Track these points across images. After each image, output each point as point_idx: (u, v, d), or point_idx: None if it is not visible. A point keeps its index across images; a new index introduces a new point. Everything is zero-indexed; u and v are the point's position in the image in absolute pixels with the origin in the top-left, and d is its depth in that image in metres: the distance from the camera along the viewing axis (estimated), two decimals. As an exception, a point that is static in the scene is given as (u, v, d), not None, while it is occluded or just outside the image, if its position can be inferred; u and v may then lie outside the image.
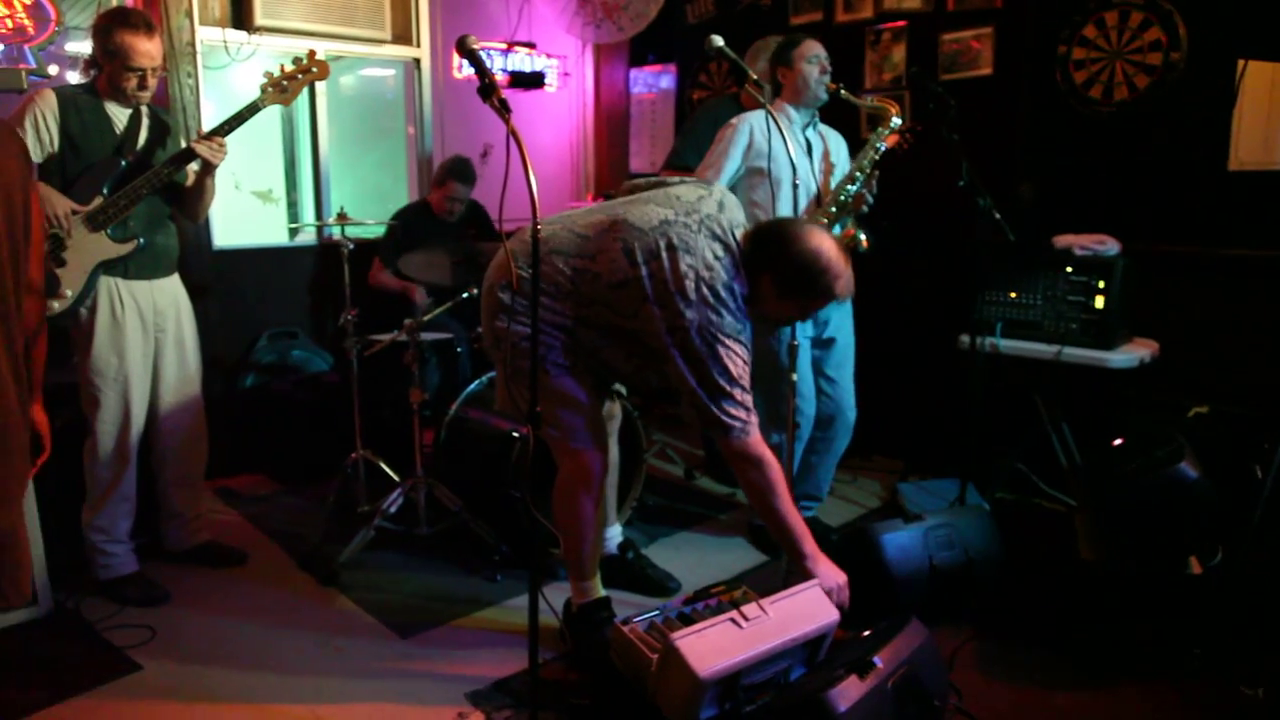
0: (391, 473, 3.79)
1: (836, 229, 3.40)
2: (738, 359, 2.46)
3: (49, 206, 2.88)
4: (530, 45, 5.48)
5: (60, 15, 4.00)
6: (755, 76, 2.85)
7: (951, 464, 3.96)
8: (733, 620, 2.33)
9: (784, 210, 2.91)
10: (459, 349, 4.15)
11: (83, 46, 3.22)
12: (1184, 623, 2.83)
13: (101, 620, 3.01)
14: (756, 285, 2.52)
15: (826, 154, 3.51)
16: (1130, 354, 3.54)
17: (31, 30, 3.94)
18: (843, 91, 3.36)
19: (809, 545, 2.60)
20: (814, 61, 3.34)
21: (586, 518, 2.78)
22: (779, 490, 2.55)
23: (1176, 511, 2.75)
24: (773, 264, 2.48)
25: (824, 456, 3.64)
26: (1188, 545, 2.85)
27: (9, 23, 3.90)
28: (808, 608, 2.45)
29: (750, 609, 2.37)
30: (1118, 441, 3.04)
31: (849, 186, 3.36)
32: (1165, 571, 2.86)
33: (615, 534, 3.29)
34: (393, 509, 3.48)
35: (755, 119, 3.35)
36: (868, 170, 3.37)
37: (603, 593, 2.93)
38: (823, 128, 3.53)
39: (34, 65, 3.91)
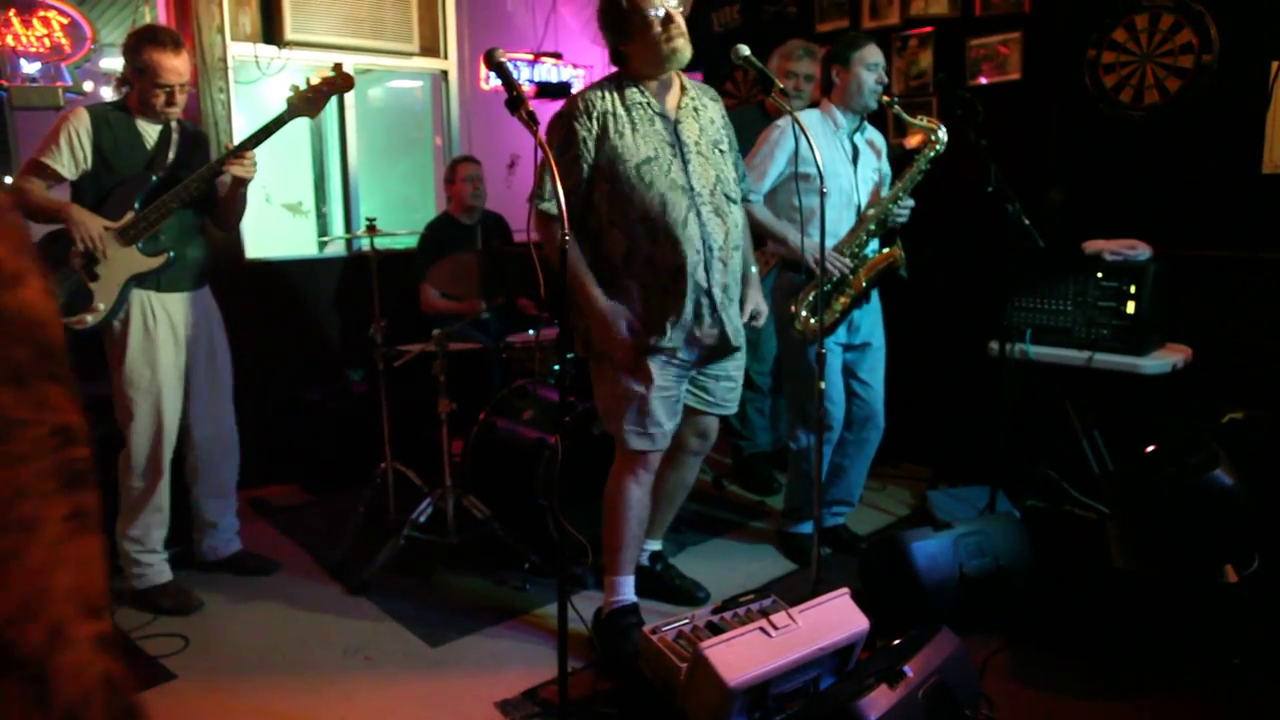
0: (420, 482, 3.81)
1: (873, 246, 3.38)
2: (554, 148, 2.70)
3: (83, 229, 2.93)
4: (557, 56, 5.51)
5: (96, 33, 4.08)
6: (782, 85, 2.85)
7: (981, 471, 3.92)
8: (762, 629, 2.32)
9: (817, 217, 2.91)
10: (487, 359, 4.17)
11: (118, 63, 3.28)
12: (1221, 632, 2.79)
13: (136, 629, 3.05)
14: (624, 59, 2.76)
15: (880, 161, 3.48)
16: (1163, 360, 3.50)
17: (68, 48, 4.02)
18: (895, 106, 3.32)
19: (591, 290, 2.73)
20: (873, 69, 3.28)
21: (629, 504, 2.87)
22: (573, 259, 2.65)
23: (1211, 519, 2.71)
24: (605, 29, 2.74)
25: (856, 460, 3.63)
26: (1223, 553, 2.81)
27: (46, 41, 3.98)
28: (837, 617, 2.44)
29: (779, 618, 2.36)
30: (1150, 448, 3.00)
31: (891, 206, 3.32)
32: (1200, 580, 2.82)
33: (652, 547, 3.29)
34: (422, 518, 3.50)
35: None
36: (910, 190, 3.34)
37: (633, 598, 2.94)
38: (871, 134, 3.50)
39: (70, 83, 3.99)
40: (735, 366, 3.00)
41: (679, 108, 2.80)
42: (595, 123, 2.67)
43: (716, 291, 2.78)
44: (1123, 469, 3.31)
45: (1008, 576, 2.98)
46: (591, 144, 2.68)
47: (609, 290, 2.75)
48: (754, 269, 3.04)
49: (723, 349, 2.88)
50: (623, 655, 2.78)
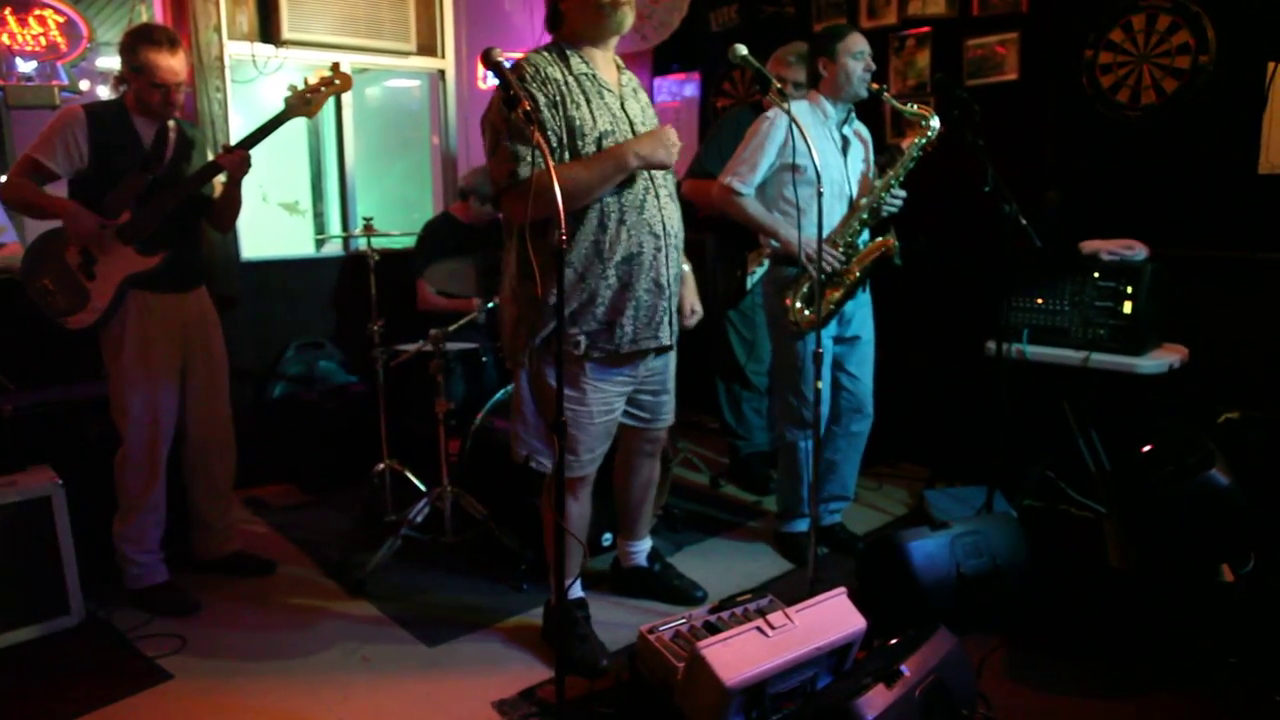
0: (418, 482, 3.81)
1: (865, 236, 3.38)
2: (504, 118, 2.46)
3: (80, 224, 2.93)
4: (553, 55, 5.50)
5: (92, 32, 4.07)
6: (778, 85, 2.84)
7: (978, 471, 3.93)
8: (759, 629, 2.32)
9: (812, 209, 2.90)
10: (484, 359, 4.17)
11: (114, 62, 3.27)
12: (1217, 631, 2.79)
13: (132, 629, 3.04)
14: (559, 19, 2.61)
15: (867, 152, 3.47)
16: (1159, 359, 3.50)
17: (64, 47, 4.01)
18: (885, 93, 3.28)
19: (614, 154, 2.49)
20: (859, 57, 3.26)
21: (569, 517, 2.82)
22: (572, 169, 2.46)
23: (1207, 518, 2.71)
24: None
25: (848, 454, 3.63)
26: (1219, 552, 2.82)
27: (42, 40, 3.98)
28: (834, 616, 2.44)
29: (776, 617, 2.36)
30: (1147, 448, 3.01)
31: (884, 194, 3.32)
32: (1197, 579, 2.83)
33: (645, 546, 3.28)
34: (419, 518, 3.50)
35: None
36: (902, 178, 3.34)
37: (580, 594, 2.98)
38: (858, 125, 3.49)
39: (66, 81, 3.99)
40: (669, 376, 2.94)
41: (620, 85, 2.66)
42: (551, 89, 2.47)
43: (672, 283, 2.68)
44: (1119, 469, 3.32)
45: (1005, 576, 2.98)
46: (546, 111, 2.46)
47: (531, 281, 2.50)
48: (686, 266, 2.93)
49: (662, 348, 2.79)
50: (571, 643, 2.78)
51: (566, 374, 2.60)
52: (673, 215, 2.68)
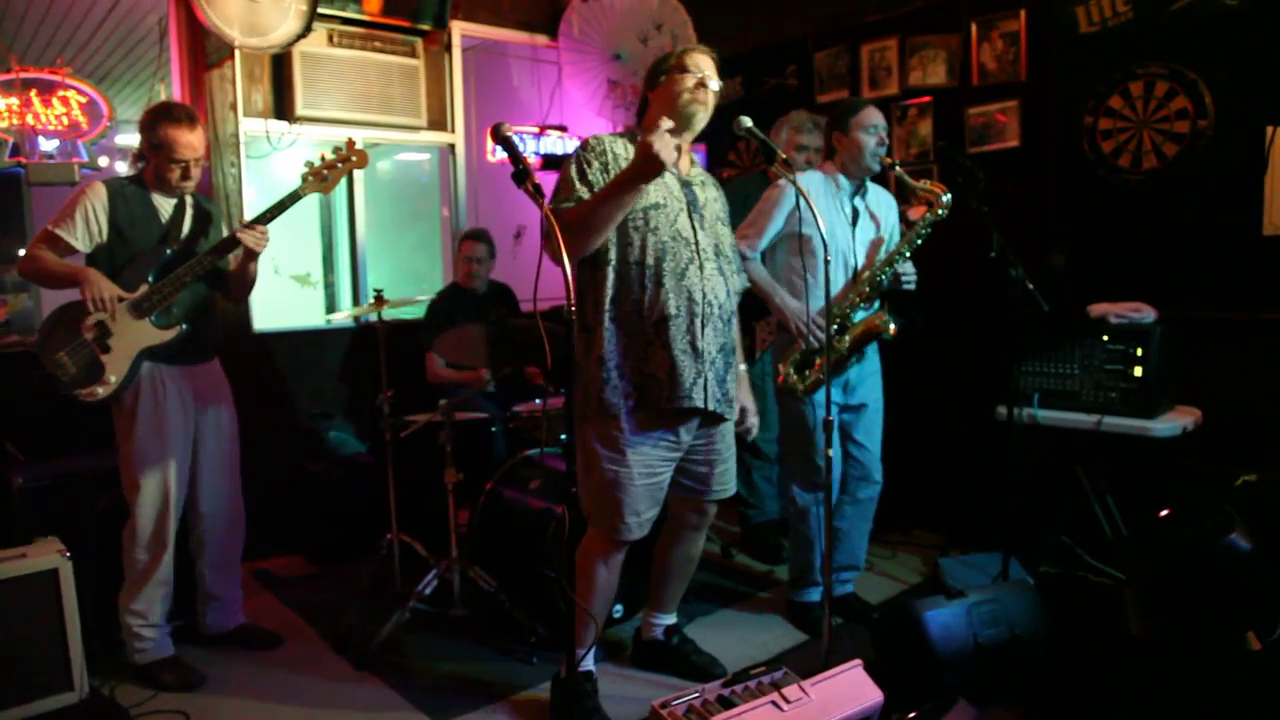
0: (426, 554, 3.78)
1: (862, 313, 3.39)
2: (572, 167, 2.72)
3: (95, 289, 2.95)
4: (562, 128, 5.61)
5: (113, 111, 4.18)
6: (784, 155, 2.88)
7: (993, 538, 3.88)
8: (774, 703, 2.28)
9: (819, 277, 2.93)
10: (494, 429, 4.17)
11: (133, 139, 3.35)
12: (1245, 701, 2.72)
13: (136, 706, 3.00)
14: (645, 108, 2.84)
15: (878, 226, 3.50)
16: (1173, 422, 3.48)
17: (85, 126, 4.12)
18: (897, 168, 3.33)
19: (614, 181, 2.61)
20: (872, 132, 3.31)
21: (596, 585, 2.83)
22: (578, 212, 2.62)
23: (1230, 584, 2.67)
24: (646, 77, 2.85)
25: (856, 522, 3.59)
26: (1244, 619, 2.76)
27: (65, 120, 4.09)
28: (850, 688, 2.40)
29: (791, 690, 2.32)
30: (1164, 512, 2.97)
31: (888, 269, 3.35)
32: (1222, 647, 2.77)
33: (668, 620, 3.24)
34: (428, 590, 3.46)
35: (801, 182, 3.34)
36: (908, 255, 3.37)
37: (589, 666, 2.92)
38: (873, 194, 3.52)
39: (86, 159, 4.08)
40: (727, 446, 2.94)
41: (689, 173, 2.86)
42: (600, 160, 2.70)
43: (711, 350, 2.73)
44: (1137, 534, 3.27)
45: (1023, 645, 2.92)
46: (593, 178, 2.68)
47: (589, 333, 2.72)
48: (743, 367, 3.02)
49: (711, 418, 2.82)
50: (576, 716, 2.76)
51: (605, 434, 2.72)
52: (717, 287, 2.77)
